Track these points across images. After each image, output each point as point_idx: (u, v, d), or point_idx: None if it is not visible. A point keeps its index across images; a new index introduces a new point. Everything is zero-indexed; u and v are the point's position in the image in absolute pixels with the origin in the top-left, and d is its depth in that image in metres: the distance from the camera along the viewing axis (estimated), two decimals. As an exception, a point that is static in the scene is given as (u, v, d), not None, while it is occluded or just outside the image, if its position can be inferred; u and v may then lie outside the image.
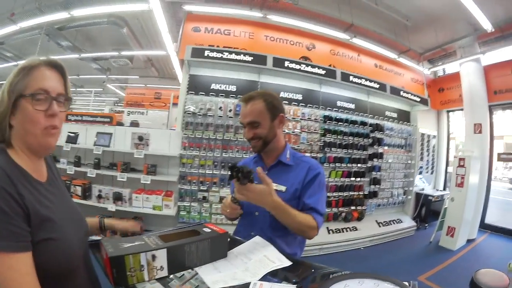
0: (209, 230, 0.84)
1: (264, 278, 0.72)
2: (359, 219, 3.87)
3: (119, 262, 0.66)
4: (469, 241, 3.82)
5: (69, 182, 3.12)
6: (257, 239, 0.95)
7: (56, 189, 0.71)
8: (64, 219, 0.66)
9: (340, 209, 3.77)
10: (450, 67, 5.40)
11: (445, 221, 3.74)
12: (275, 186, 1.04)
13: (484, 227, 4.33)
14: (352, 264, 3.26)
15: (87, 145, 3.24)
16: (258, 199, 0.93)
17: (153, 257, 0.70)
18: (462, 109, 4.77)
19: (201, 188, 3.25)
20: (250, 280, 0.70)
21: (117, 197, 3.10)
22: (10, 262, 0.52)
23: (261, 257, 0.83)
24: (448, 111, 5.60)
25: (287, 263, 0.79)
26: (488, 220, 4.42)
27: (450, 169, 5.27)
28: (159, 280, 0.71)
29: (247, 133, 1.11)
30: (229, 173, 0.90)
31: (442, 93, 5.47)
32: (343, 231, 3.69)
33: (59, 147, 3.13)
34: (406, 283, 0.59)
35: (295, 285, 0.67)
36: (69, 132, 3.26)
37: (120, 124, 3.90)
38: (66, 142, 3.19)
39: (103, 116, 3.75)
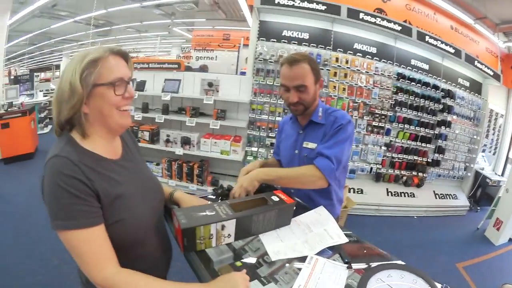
0: (277, 199, 0.86)
1: (320, 252, 0.77)
2: (419, 186, 3.74)
3: (191, 233, 0.70)
4: (510, 240, 3.42)
5: (136, 128, 3.20)
6: (321, 210, 0.98)
7: (130, 162, 0.77)
8: (136, 193, 0.72)
9: (402, 172, 3.67)
10: (526, 45, 4.81)
11: (496, 211, 3.41)
12: (306, 144, 1.14)
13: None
14: (402, 232, 3.21)
15: (155, 92, 3.27)
16: (247, 181, 0.98)
17: (223, 226, 0.74)
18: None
19: (270, 134, 3.27)
20: (308, 254, 0.75)
21: (185, 141, 3.17)
22: (84, 236, 0.59)
23: (321, 230, 0.87)
24: (519, 92, 5.08)
25: (344, 240, 0.83)
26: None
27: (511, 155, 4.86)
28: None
29: (292, 97, 1.07)
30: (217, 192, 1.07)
31: (515, 71, 4.94)
32: (401, 195, 3.61)
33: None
34: (439, 286, 0.64)
35: (346, 265, 0.71)
36: (136, 80, 3.28)
37: (188, 68, 3.77)
38: (135, 90, 3.21)
39: (170, 63, 3.73)
